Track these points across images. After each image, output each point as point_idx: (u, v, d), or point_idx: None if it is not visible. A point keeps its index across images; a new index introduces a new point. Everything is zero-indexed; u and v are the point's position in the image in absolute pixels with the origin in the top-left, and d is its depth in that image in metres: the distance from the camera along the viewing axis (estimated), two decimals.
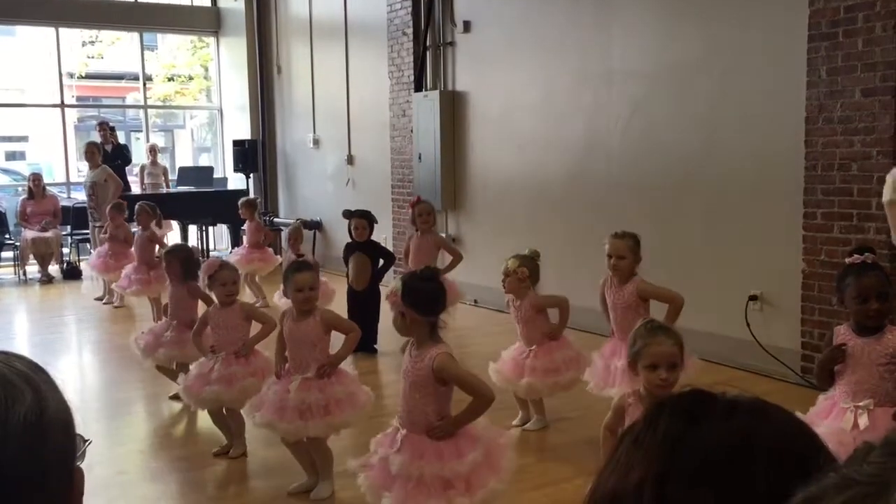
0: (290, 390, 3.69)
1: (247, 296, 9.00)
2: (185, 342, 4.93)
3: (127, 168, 10.80)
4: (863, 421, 2.83)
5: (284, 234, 8.15)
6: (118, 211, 8.26)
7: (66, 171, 12.04)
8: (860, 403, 2.87)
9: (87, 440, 0.91)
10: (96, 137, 10.38)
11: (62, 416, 0.87)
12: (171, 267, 5.13)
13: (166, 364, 5.16)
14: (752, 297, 5.65)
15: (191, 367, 4.50)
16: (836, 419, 2.91)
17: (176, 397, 5.26)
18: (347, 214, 6.54)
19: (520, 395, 4.59)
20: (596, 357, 4.28)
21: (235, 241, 10.34)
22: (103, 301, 8.60)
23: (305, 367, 3.74)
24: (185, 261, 5.10)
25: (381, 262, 6.46)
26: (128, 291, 7.48)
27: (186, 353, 4.81)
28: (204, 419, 5.00)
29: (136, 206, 7.61)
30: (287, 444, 3.85)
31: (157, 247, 7.48)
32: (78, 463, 0.91)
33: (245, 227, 8.67)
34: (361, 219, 6.39)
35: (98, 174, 9.26)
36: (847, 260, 3.03)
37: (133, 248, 7.79)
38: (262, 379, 4.13)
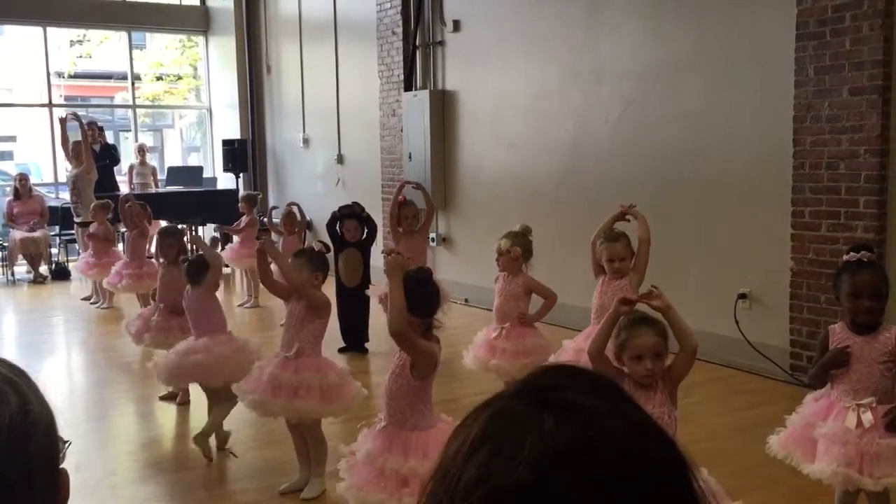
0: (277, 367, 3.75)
1: (236, 294, 8.96)
2: (171, 329, 4.97)
3: (116, 168, 10.74)
4: (867, 419, 2.81)
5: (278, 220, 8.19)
6: (102, 210, 8.21)
7: (55, 170, 11.98)
8: (862, 402, 2.85)
9: (66, 441, 0.92)
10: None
11: (45, 418, 0.88)
12: (168, 247, 5.17)
13: (154, 347, 5.17)
14: (742, 296, 5.67)
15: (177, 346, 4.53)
16: (837, 419, 2.88)
17: (165, 398, 5.26)
18: (336, 217, 6.51)
19: (491, 374, 4.65)
20: (567, 342, 4.32)
21: (225, 241, 10.30)
22: (90, 301, 8.55)
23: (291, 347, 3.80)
24: (181, 242, 5.25)
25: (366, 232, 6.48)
26: (119, 287, 7.45)
27: (171, 339, 4.82)
28: (196, 419, 4.99)
29: (128, 205, 7.60)
30: (290, 429, 3.87)
31: (148, 243, 7.50)
32: (60, 465, 0.91)
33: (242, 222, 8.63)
34: (352, 219, 6.39)
35: (79, 171, 9.18)
36: (844, 257, 3.01)
37: (122, 246, 7.79)
38: (239, 362, 4.23)
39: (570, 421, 0.68)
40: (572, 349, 4.24)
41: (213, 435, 4.39)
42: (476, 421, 0.71)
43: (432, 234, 8.24)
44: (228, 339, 4.42)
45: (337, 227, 6.43)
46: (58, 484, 0.89)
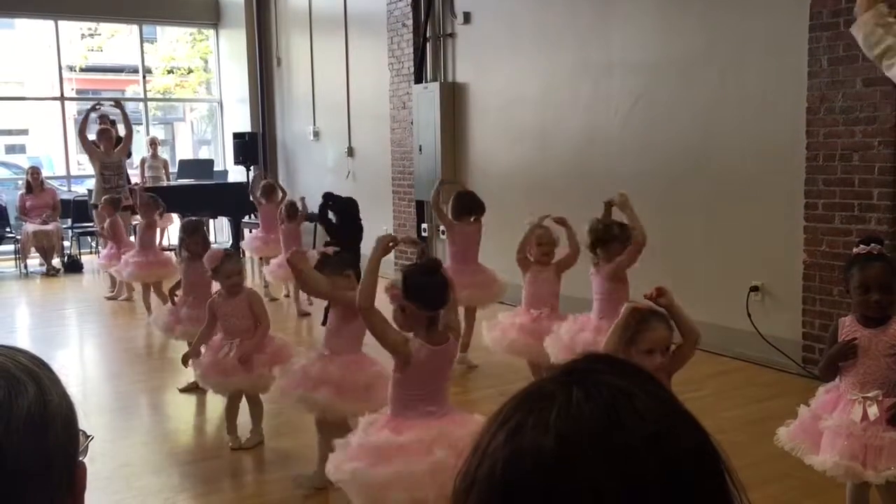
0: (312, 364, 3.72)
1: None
2: (202, 320, 4.97)
3: (127, 161, 10.77)
4: (872, 412, 2.81)
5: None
6: (110, 204, 8.23)
7: (67, 164, 12.03)
8: (869, 394, 2.85)
9: (89, 436, 0.92)
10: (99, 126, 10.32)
11: (64, 410, 0.88)
12: (195, 243, 5.19)
13: (185, 339, 5.20)
14: (754, 288, 5.65)
15: (202, 350, 4.48)
16: (843, 411, 2.89)
17: (186, 390, 5.27)
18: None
19: (544, 362, 4.61)
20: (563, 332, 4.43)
21: (236, 234, 10.35)
22: (113, 296, 8.57)
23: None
24: (206, 236, 5.29)
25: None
26: (125, 274, 7.51)
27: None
28: (210, 410, 5.02)
29: (140, 198, 7.67)
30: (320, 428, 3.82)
31: (158, 234, 7.55)
32: (80, 458, 0.91)
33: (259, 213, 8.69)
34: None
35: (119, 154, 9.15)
36: (854, 250, 3.01)
37: (135, 236, 7.87)
38: (278, 363, 4.18)
39: (600, 396, 0.70)
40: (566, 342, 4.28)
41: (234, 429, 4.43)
42: (511, 400, 0.74)
43: (441, 227, 8.23)
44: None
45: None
46: (74, 477, 0.89)
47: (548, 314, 4.77)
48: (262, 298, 4.51)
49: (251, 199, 8.57)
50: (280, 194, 8.60)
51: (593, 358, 0.77)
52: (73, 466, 0.88)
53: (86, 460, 0.92)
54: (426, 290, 2.92)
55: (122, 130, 9.48)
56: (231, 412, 4.39)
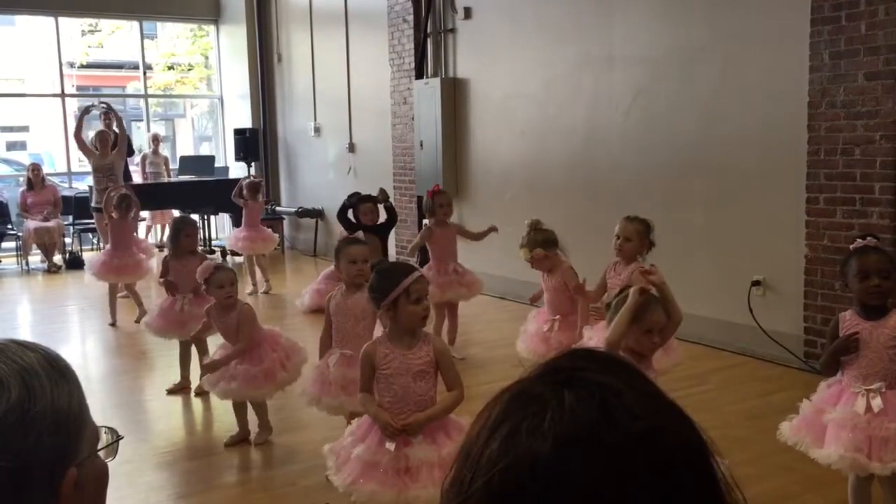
0: (328, 365, 3.71)
1: (246, 282, 9.01)
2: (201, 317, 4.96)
3: (129, 158, 10.76)
4: (876, 403, 2.83)
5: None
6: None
7: (67, 160, 12.03)
8: (872, 387, 2.86)
9: (119, 436, 0.90)
10: (100, 126, 10.30)
11: (58, 415, 0.86)
12: (191, 239, 5.20)
13: (181, 338, 5.20)
14: (755, 283, 5.65)
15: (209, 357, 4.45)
16: (847, 404, 2.90)
17: (174, 391, 5.27)
18: (348, 205, 6.42)
19: (510, 363, 4.71)
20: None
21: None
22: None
23: (346, 342, 3.73)
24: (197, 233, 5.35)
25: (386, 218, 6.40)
26: (91, 272, 7.50)
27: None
28: (213, 406, 5.02)
29: (107, 199, 7.50)
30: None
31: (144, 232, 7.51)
32: (108, 459, 0.90)
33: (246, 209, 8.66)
34: (367, 202, 6.35)
35: (114, 157, 9.09)
36: (851, 247, 3.05)
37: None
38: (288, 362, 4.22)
39: (590, 397, 0.69)
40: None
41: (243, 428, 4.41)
42: (498, 403, 0.73)
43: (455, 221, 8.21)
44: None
45: (349, 215, 6.34)
46: (59, 480, 0.86)
47: (560, 323, 4.65)
48: (252, 317, 4.28)
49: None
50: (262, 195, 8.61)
51: (576, 355, 0.76)
52: (59, 471, 0.86)
53: (112, 461, 0.90)
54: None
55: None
56: (239, 411, 4.39)
